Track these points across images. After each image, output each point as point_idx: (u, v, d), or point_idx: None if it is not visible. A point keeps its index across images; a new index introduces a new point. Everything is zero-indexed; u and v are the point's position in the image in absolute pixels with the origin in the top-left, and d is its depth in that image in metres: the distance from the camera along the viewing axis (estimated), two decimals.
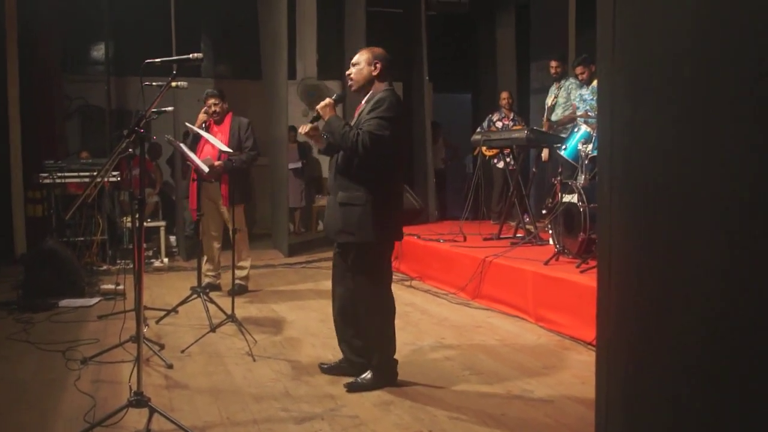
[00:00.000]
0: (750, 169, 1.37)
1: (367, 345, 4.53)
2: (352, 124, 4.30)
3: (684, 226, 1.50)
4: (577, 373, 4.73)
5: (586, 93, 8.17)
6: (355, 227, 4.25)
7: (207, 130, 7.01)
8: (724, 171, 1.42)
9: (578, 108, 8.38)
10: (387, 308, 4.46)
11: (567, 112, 8.83)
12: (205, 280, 7.10)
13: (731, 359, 1.41)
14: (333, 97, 4.41)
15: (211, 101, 7.12)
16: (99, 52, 12.20)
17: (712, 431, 1.45)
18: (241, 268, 7.28)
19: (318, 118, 4.36)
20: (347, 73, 4.46)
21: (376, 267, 4.38)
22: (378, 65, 4.36)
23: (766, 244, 1.34)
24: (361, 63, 4.37)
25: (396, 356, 4.51)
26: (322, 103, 4.34)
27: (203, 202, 6.95)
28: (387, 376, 4.48)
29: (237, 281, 6.79)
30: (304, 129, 4.36)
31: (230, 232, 6.23)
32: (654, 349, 1.61)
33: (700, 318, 1.46)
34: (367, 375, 4.44)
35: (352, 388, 4.37)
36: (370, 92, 4.38)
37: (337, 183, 4.35)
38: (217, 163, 6.70)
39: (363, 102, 4.41)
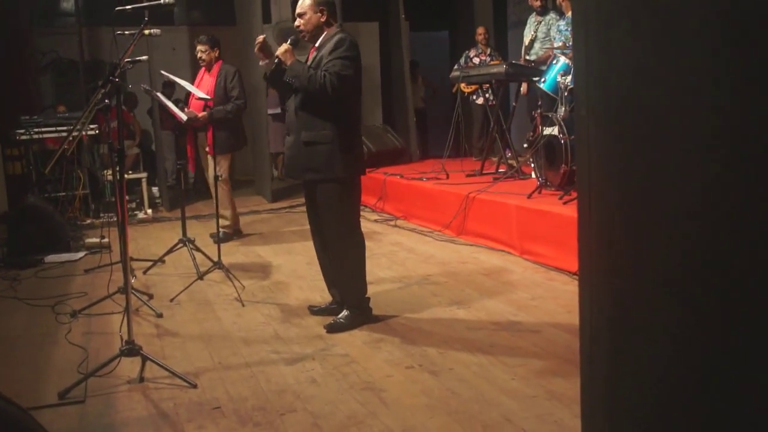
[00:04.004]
0: (721, 90, 1.38)
1: (340, 283, 4.59)
2: (311, 66, 4.28)
3: (658, 150, 1.52)
4: (563, 302, 4.79)
5: (562, 24, 8.11)
6: (323, 165, 4.29)
7: (193, 78, 7.07)
8: (696, 94, 1.42)
9: (555, 40, 8.32)
10: (358, 245, 4.52)
11: (546, 46, 8.75)
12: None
13: (711, 275, 1.44)
14: (289, 42, 4.37)
15: (198, 47, 7.11)
16: (68, 3, 11.95)
17: (698, 345, 1.49)
18: (223, 217, 7.30)
19: (280, 64, 4.34)
20: (295, 24, 4.42)
21: (345, 204, 4.41)
22: (324, 10, 4.34)
23: (737, 166, 1.36)
24: (307, 12, 4.34)
25: (384, 295, 4.56)
26: (281, 49, 4.31)
27: (199, 152, 7.05)
28: (364, 313, 4.57)
29: (222, 229, 6.95)
30: (282, 48, 4.33)
31: (213, 180, 6.26)
32: (636, 271, 1.63)
33: (677, 237, 1.49)
34: (345, 314, 4.51)
35: (332, 329, 4.43)
36: (322, 36, 4.37)
37: (299, 122, 4.35)
38: (200, 114, 6.66)
39: (316, 45, 4.41)
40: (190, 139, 7.13)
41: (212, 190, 7.28)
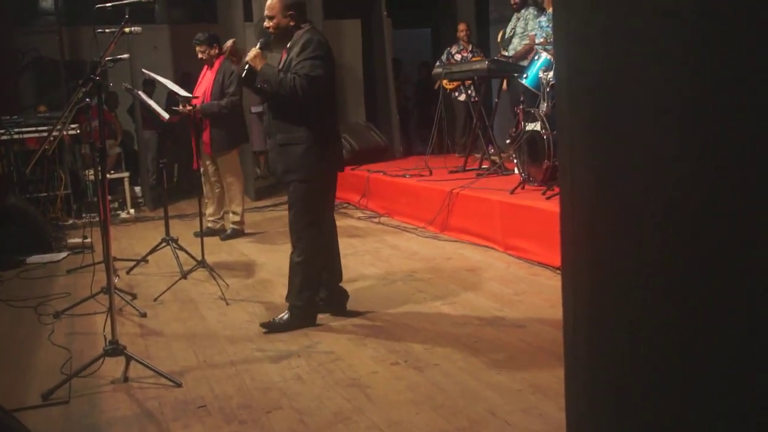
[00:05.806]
0: (699, 84, 1.39)
1: (293, 280, 4.44)
2: (281, 68, 4.28)
3: (638, 144, 1.53)
4: (547, 297, 4.81)
5: (544, 20, 8.13)
6: (298, 165, 4.26)
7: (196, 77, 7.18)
8: (674, 88, 1.44)
9: (537, 36, 8.35)
10: (320, 245, 4.44)
11: (524, 42, 8.77)
12: (206, 225, 7.24)
13: (690, 264, 1.45)
14: (258, 45, 4.36)
15: (197, 48, 7.19)
16: (48, 1, 11.87)
17: (678, 334, 1.50)
18: (234, 213, 7.41)
19: (251, 69, 4.32)
20: (264, 25, 4.42)
21: (314, 203, 4.37)
22: (292, 15, 4.31)
23: (714, 158, 1.38)
24: (275, 16, 4.32)
25: (368, 291, 4.54)
26: (251, 54, 4.31)
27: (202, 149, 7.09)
28: (306, 316, 4.45)
29: (231, 226, 7.35)
30: (251, 54, 4.33)
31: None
32: (616, 263, 1.64)
33: (658, 229, 1.50)
34: (285, 315, 4.43)
35: (270, 329, 4.38)
36: (292, 38, 4.36)
37: (275, 125, 4.35)
38: (189, 109, 6.71)
39: (286, 47, 4.40)
40: (192, 137, 7.17)
41: (212, 186, 7.34)
